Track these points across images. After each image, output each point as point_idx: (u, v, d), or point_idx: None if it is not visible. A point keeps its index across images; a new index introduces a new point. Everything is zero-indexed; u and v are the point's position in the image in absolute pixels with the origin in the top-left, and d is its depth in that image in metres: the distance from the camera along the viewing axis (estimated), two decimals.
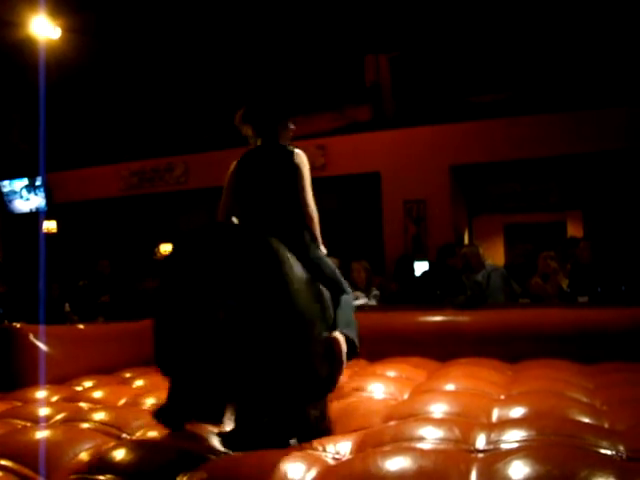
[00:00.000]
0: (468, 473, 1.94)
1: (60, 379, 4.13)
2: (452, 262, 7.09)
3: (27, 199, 11.36)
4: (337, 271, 3.26)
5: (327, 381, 2.93)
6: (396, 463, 2.01)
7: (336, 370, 2.94)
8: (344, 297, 3.17)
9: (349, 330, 3.05)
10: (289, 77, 9.46)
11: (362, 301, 6.19)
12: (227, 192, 3.34)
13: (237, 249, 2.62)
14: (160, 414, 2.69)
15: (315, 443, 2.47)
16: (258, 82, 9.15)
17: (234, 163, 3.36)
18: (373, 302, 6.37)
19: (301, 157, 3.21)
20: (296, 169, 3.17)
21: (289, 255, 2.70)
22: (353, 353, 3.09)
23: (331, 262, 3.27)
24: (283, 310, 2.55)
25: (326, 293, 3.04)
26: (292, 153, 3.22)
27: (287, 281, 2.58)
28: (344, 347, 2.94)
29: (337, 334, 2.95)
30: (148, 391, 3.58)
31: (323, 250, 3.27)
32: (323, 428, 2.78)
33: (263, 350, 2.51)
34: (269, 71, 9.33)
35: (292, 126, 3.40)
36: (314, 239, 3.21)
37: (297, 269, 2.71)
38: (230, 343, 2.50)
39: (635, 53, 7.93)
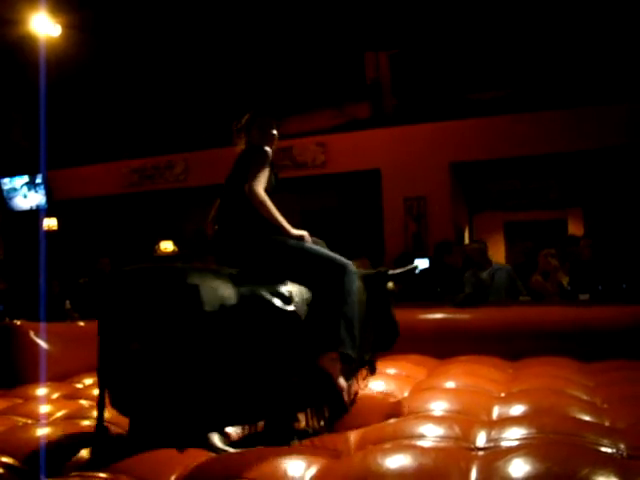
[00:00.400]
0: (468, 471, 1.94)
1: (61, 376, 4.13)
2: (449, 260, 7.09)
3: (27, 196, 11.36)
4: (322, 250, 3.06)
5: (321, 397, 2.92)
6: (396, 461, 2.01)
7: (330, 391, 2.88)
8: (345, 282, 2.94)
9: (338, 343, 2.85)
10: (289, 74, 9.45)
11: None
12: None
13: (153, 293, 2.63)
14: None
15: (315, 440, 2.47)
16: (258, 79, 9.15)
17: None
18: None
19: (259, 150, 3.10)
20: (249, 163, 3.06)
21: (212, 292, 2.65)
22: (349, 360, 2.93)
23: (312, 245, 3.07)
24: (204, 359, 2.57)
25: (299, 297, 2.85)
26: (252, 149, 3.17)
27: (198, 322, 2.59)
28: (330, 369, 2.85)
29: (323, 359, 2.84)
30: None
31: (299, 233, 3.04)
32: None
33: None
34: (269, 68, 9.32)
35: (274, 130, 3.33)
36: (273, 228, 2.99)
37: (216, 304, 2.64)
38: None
39: (635, 50, 7.92)
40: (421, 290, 6.67)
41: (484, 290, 6.12)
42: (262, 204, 2.94)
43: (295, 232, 3.02)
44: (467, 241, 10.09)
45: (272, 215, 2.96)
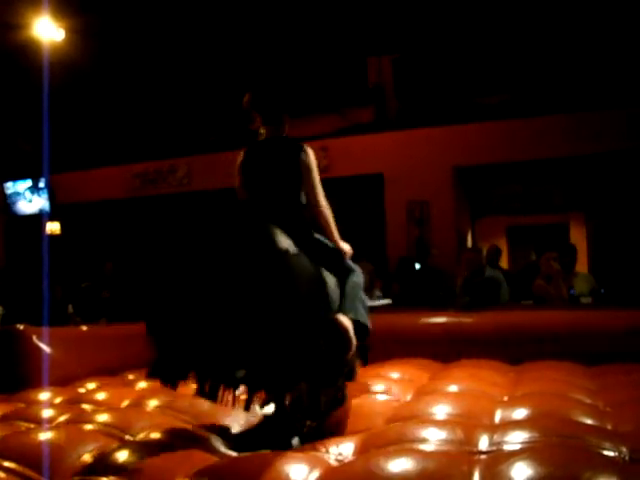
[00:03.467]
0: (471, 475, 1.94)
1: (63, 381, 4.13)
2: (432, 262, 7.23)
3: (30, 201, 11.38)
4: (343, 257, 3.17)
5: (337, 364, 2.88)
6: (399, 464, 2.01)
7: (344, 350, 2.87)
8: (350, 279, 3.07)
9: (354, 312, 2.98)
10: (292, 79, 9.46)
11: (384, 301, 6.22)
12: (238, 188, 3.30)
13: (239, 236, 2.67)
14: (155, 371, 2.70)
15: (317, 444, 2.47)
16: (260, 83, 9.15)
17: (241, 154, 3.30)
18: (388, 301, 6.38)
19: (309, 154, 3.15)
20: (304, 166, 3.12)
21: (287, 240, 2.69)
22: (364, 333, 3.02)
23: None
24: (283, 291, 2.58)
25: (330, 279, 2.96)
26: (301, 149, 3.16)
27: (287, 265, 2.62)
28: (348, 325, 2.87)
29: (340, 316, 2.88)
30: (151, 393, 3.58)
31: (346, 248, 3.17)
32: (333, 417, 2.84)
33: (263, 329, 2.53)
34: (271, 73, 9.33)
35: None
36: (330, 239, 3.09)
37: (287, 245, 2.68)
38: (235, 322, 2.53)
39: (638, 54, 7.92)
40: (423, 294, 6.69)
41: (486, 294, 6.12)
42: (326, 217, 3.10)
43: (345, 246, 3.14)
44: (470, 245, 10.10)
45: (329, 226, 3.10)
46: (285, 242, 2.66)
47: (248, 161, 3.26)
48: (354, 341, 2.89)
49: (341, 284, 3.02)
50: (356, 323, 2.94)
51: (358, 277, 3.14)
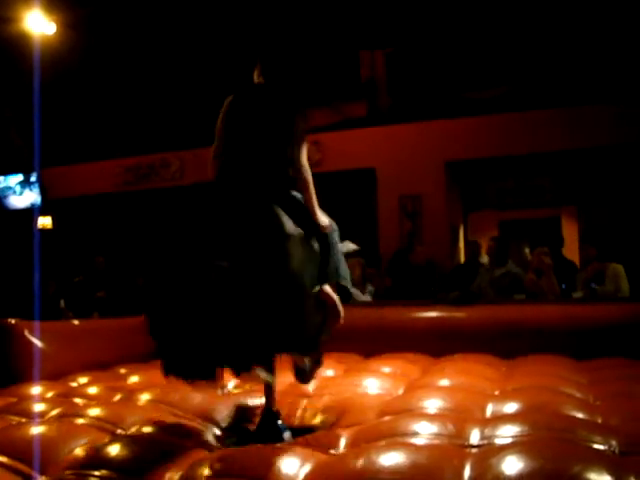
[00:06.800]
0: (462, 468, 1.95)
1: (55, 375, 4.12)
2: (414, 259, 7.28)
3: (22, 195, 11.34)
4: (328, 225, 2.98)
5: (321, 330, 2.88)
6: (390, 458, 2.02)
7: (332, 319, 2.90)
8: (332, 244, 2.94)
9: (338, 277, 2.93)
10: (285, 73, 9.44)
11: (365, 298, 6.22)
12: (219, 134, 3.17)
13: (239, 212, 2.61)
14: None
15: (309, 438, 2.48)
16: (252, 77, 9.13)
17: (229, 98, 3.16)
18: (368, 298, 6.36)
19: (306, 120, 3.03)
20: (299, 127, 2.97)
21: (285, 215, 2.60)
22: (347, 297, 3.01)
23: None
24: (279, 271, 2.52)
25: (316, 245, 2.83)
26: (301, 109, 3.05)
27: (285, 244, 2.54)
28: (335, 298, 2.87)
29: (326, 287, 2.83)
30: (143, 387, 3.58)
31: (324, 220, 2.87)
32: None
33: (255, 309, 2.47)
34: (264, 67, 9.31)
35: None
36: (308, 204, 2.83)
37: (292, 228, 2.60)
38: (221, 302, 2.45)
39: (631, 50, 7.94)
40: (415, 288, 6.70)
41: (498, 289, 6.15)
42: (308, 181, 2.83)
43: (323, 220, 2.85)
44: (462, 240, 10.12)
45: (309, 192, 2.83)
46: (290, 225, 2.59)
47: (237, 105, 3.13)
48: (342, 309, 2.92)
49: (323, 250, 2.89)
50: (339, 287, 2.94)
51: (335, 237, 3.02)
